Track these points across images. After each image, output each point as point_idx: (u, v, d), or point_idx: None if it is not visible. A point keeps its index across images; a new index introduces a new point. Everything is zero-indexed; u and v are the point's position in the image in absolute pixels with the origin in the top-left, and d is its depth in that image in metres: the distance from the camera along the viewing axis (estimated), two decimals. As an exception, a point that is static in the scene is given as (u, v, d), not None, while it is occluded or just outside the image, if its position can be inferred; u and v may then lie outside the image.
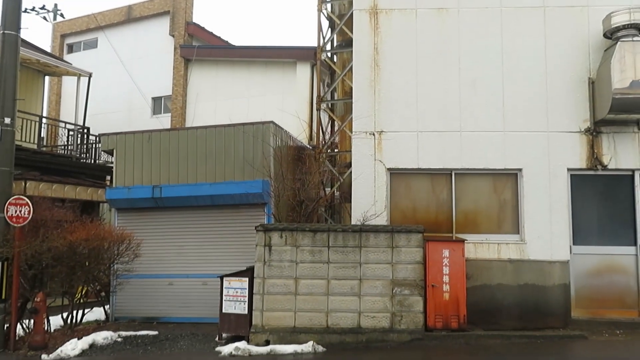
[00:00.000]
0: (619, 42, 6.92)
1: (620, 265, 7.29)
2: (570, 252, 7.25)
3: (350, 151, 7.74)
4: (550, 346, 6.44)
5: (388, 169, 7.49)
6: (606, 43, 7.27)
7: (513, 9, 7.61)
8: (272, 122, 8.16)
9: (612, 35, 7.11)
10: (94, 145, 12.54)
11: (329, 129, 9.94)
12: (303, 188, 7.43)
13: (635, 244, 7.25)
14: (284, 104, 12.05)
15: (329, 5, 9.26)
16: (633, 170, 7.33)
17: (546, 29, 7.55)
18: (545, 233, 7.22)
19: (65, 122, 12.49)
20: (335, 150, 9.60)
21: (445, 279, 6.66)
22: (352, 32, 7.92)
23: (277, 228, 6.74)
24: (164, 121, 13.80)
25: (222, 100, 13.09)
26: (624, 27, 6.96)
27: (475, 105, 7.50)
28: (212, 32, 14.88)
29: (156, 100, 14.52)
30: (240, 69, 13.25)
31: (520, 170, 7.39)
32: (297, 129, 9.92)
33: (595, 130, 7.36)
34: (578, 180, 7.42)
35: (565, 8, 7.56)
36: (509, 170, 7.44)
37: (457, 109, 7.51)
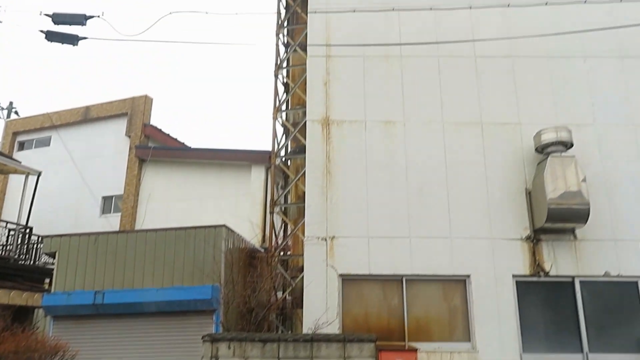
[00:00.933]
0: (549, 157, 7.53)
1: (569, 372, 7.32)
2: (521, 360, 7.26)
3: (303, 255, 7.74)
4: None
5: (340, 275, 7.49)
6: (538, 157, 7.88)
7: (454, 124, 8.23)
8: (224, 225, 8.13)
9: (543, 150, 7.75)
10: (35, 246, 11.97)
11: (281, 233, 9.96)
12: (254, 294, 7.27)
13: (581, 351, 7.36)
14: (238, 206, 12.10)
15: (284, 114, 9.72)
16: (573, 277, 7.63)
17: (484, 142, 8.16)
18: (496, 340, 7.25)
19: (7, 222, 11.98)
20: (288, 253, 9.57)
21: (399, 391, 6.46)
22: (305, 140, 8.27)
23: (225, 338, 6.46)
24: (112, 221, 13.46)
25: (175, 201, 13.02)
26: (553, 143, 7.62)
27: (423, 213, 7.79)
28: (168, 134, 15.13)
29: (107, 200, 14.26)
30: (195, 171, 13.37)
31: (468, 276, 7.55)
32: (251, 232, 9.90)
33: (536, 238, 7.73)
34: (524, 287, 7.62)
35: (501, 125, 8.25)
36: (457, 277, 7.59)
37: (406, 216, 7.77)
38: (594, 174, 7.85)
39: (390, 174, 7.97)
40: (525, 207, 7.86)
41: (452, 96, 8.32)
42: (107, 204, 14.33)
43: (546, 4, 8.62)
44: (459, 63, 8.48)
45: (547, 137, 7.67)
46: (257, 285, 7.39)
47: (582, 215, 7.41)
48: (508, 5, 8.67)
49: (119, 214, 13.71)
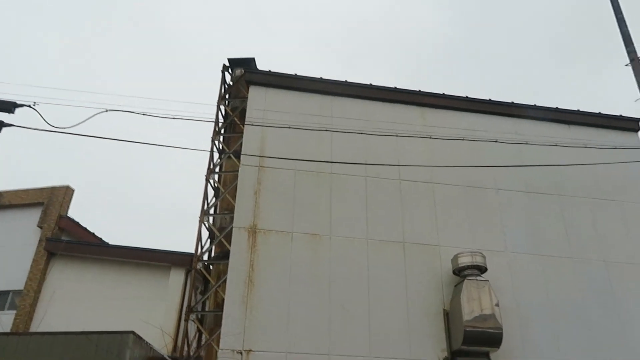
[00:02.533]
0: (465, 280, 7.84)
1: None
2: None
3: (216, 370, 7.25)
4: None
5: (253, 393, 7.03)
6: (455, 279, 8.19)
7: (378, 241, 8.48)
8: (132, 332, 7.53)
9: (460, 272, 8.08)
10: None
11: (195, 342, 9.34)
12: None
13: None
14: (152, 310, 11.35)
15: (211, 218, 9.61)
16: (488, 404, 7.61)
17: (406, 262, 8.41)
18: None
19: None
20: (200, 366, 8.90)
21: None
22: (230, 246, 8.14)
23: None
24: (4, 319, 12.10)
25: (82, 301, 12.02)
26: (469, 267, 7.99)
27: (344, 329, 7.68)
28: (85, 228, 14.38)
29: (2, 295, 12.92)
30: (110, 270, 12.59)
31: (386, 399, 7.33)
32: (162, 339, 9.22)
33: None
34: (440, 412, 7.48)
35: (421, 245, 8.59)
36: (375, 399, 7.35)
37: (327, 332, 7.61)
38: (505, 300, 8.20)
39: (313, 288, 7.92)
40: (443, 327, 7.97)
41: (377, 215, 8.67)
42: (2, 299, 12.97)
43: (463, 139, 9.52)
44: (384, 184, 8.97)
45: (464, 260, 8.05)
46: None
47: (496, 339, 7.59)
48: (430, 137, 9.49)
49: (14, 311, 12.39)
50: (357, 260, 8.24)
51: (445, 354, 7.80)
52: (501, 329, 7.59)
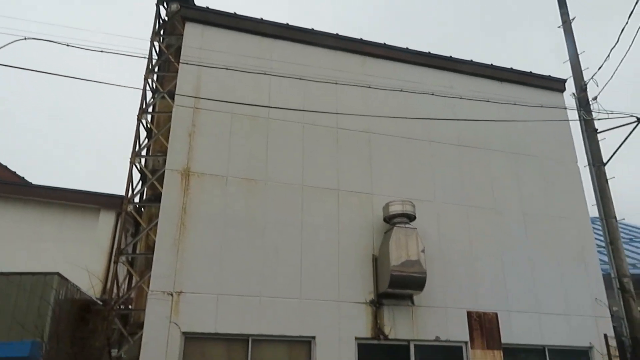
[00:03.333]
0: (395, 227, 8.15)
1: None
2: None
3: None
4: None
5: (183, 332, 7.10)
6: (386, 226, 8.49)
7: (313, 188, 8.57)
8: (57, 273, 7.33)
9: (390, 220, 8.38)
10: None
11: (125, 285, 9.24)
12: (81, 352, 6.53)
13: (412, 413, 7.76)
14: (80, 252, 11.00)
15: (143, 160, 9.31)
16: (409, 341, 8.13)
17: (340, 208, 8.59)
18: (335, 404, 7.33)
19: None
20: (130, 307, 8.86)
21: None
22: (162, 188, 7.96)
23: (40, 403, 5.66)
24: None
25: (3, 243, 11.46)
26: (399, 215, 8.29)
27: (276, 272, 7.84)
28: (6, 166, 13.53)
29: None
30: (35, 211, 11.99)
31: (314, 337, 7.65)
32: (93, 281, 9.01)
33: (379, 302, 8.16)
34: (364, 349, 7.91)
35: (355, 193, 8.79)
36: (303, 338, 7.65)
37: (259, 275, 7.74)
38: (431, 246, 8.65)
39: (247, 232, 7.96)
40: (371, 272, 8.32)
41: (313, 162, 8.73)
42: None
43: (401, 90, 9.64)
44: (321, 132, 8.99)
45: (394, 208, 8.34)
46: (87, 342, 6.67)
47: (419, 283, 8.04)
48: (369, 87, 9.53)
49: None
50: (292, 206, 8.32)
51: (372, 296, 8.18)
52: (425, 274, 8.03)
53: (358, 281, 8.21)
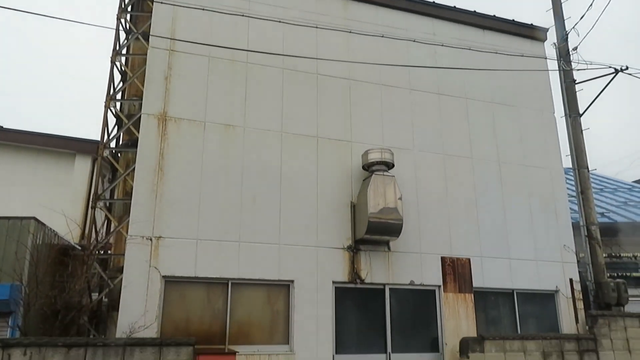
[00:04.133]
0: (373, 175, 8.23)
1: (374, 372, 8.01)
2: (333, 361, 7.74)
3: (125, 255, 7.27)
4: None
5: (163, 276, 7.20)
6: (364, 174, 8.57)
7: (292, 135, 8.53)
8: (33, 218, 7.27)
9: (369, 168, 8.44)
10: None
11: (103, 230, 9.23)
12: (61, 295, 6.59)
13: (385, 351, 8.12)
14: (56, 198, 10.89)
15: (118, 104, 9.09)
16: (384, 285, 8.40)
17: (319, 156, 8.60)
18: (312, 343, 7.62)
19: None
20: (109, 252, 8.90)
21: (214, 395, 6.40)
22: (139, 134, 7.83)
23: (21, 343, 5.74)
24: None
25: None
26: (377, 163, 8.35)
27: (255, 219, 7.90)
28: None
29: None
30: (7, 155, 11.73)
31: (292, 282, 7.84)
32: (68, 227, 8.97)
33: (356, 248, 8.35)
34: (341, 292, 8.16)
35: (334, 141, 8.78)
36: (282, 282, 7.83)
37: (238, 221, 7.80)
38: (408, 194, 8.79)
39: (225, 178, 7.94)
40: (349, 219, 8.45)
41: (293, 108, 8.64)
42: None
43: (382, 36, 9.47)
44: (301, 78, 8.85)
45: (373, 156, 8.39)
46: (66, 285, 6.72)
47: (396, 229, 8.22)
48: (350, 32, 9.33)
49: None
50: (271, 153, 8.30)
51: (350, 242, 8.35)
52: (402, 221, 8.20)
53: (336, 227, 8.35)
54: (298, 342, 7.56)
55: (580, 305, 9.58)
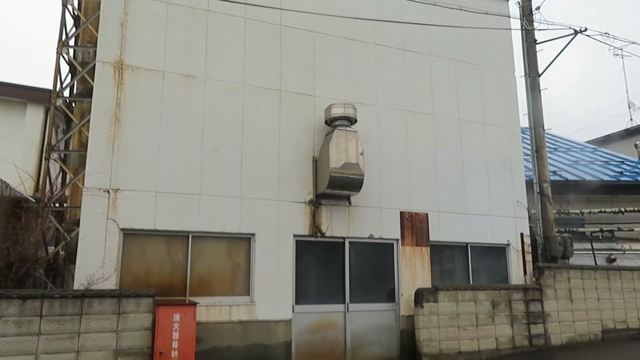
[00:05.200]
0: (335, 130, 8.24)
1: (332, 321, 8.28)
2: (293, 311, 7.93)
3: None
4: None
5: (122, 229, 7.11)
6: (327, 129, 8.56)
7: (254, 87, 8.38)
8: (-18, 168, 6.98)
9: (331, 123, 8.43)
10: None
11: (59, 182, 8.98)
12: (15, 247, 6.44)
13: (344, 301, 8.38)
14: (7, 148, 10.47)
15: (71, 50, 8.65)
16: (344, 238, 8.58)
17: (281, 109, 8.51)
18: (273, 294, 7.78)
19: None
20: (65, 205, 8.70)
21: (175, 344, 6.50)
22: (94, 82, 7.52)
23: (-26, 295, 5.63)
24: None
25: None
26: (340, 118, 8.34)
27: (216, 172, 7.83)
28: None
29: None
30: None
31: (253, 235, 7.90)
32: (23, 177, 8.67)
33: (317, 202, 8.44)
34: (302, 246, 8.29)
35: (297, 94, 8.69)
36: (243, 235, 7.88)
37: (199, 173, 7.72)
38: (370, 149, 8.87)
39: (186, 130, 7.79)
40: (311, 173, 8.49)
41: (255, 60, 8.45)
42: None
43: (348, -12, 9.27)
44: (265, 29, 8.62)
45: (336, 111, 8.37)
46: (20, 237, 6.56)
47: (357, 184, 8.33)
48: (315, -18, 9.09)
49: None
50: (232, 106, 8.15)
51: (311, 196, 8.42)
52: (363, 176, 8.30)
53: (298, 182, 8.39)
54: (258, 294, 7.70)
55: (529, 258, 10.09)
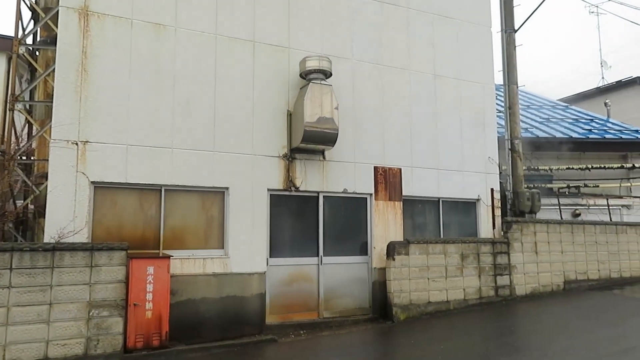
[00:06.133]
0: (310, 83, 8.12)
1: (306, 274, 8.44)
2: (267, 264, 8.04)
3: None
4: (245, 352, 6.98)
5: (92, 182, 6.99)
6: (301, 82, 8.44)
7: (227, 38, 8.13)
8: (-58, 119, 6.69)
9: (306, 76, 8.30)
10: None
11: (25, 134, 8.71)
12: (-19, 200, 6.29)
13: (317, 254, 8.52)
14: (-32, 98, 10.01)
15: (32, -5, 8.21)
16: (318, 193, 8.63)
17: (255, 61, 8.32)
18: (247, 247, 7.85)
19: None
20: (32, 158, 8.48)
21: (149, 296, 6.55)
22: (58, 29, 7.18)
23: (-60, 248, 5.51)
24: None
25: None
26: (315, 71, 8.21)
27: (189, 125, 7.69)
28: None
29: None
30: None
31: (227, 188, 7.87)
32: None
33: (291, 156, 8.41)
34: (276, 200, 8.32)
35: (272, 46, 8.48)
36: (217, 189, 7.84)
37: (170, 126, 7.57)
38: (345, 104, 8.82)
39: (156, 81, 7.57)
40: (285, 127, 8.42)
41: (228, 10, 8.17)
42: None
43: None
44: (237, -25, 8.30)
45: (311, 64, 8.22)
46: (-14, 190, 6.40)
47: (331, 139, 8.31)
48: None
49: None
50: (205, 56, 7.93)
51: (286, 150, 8.38)
52: (337, 130, 8.27)
53: (272, 135, 8.32)
54: (233, 247, 7.76)
55: (498, 212, 10.36)
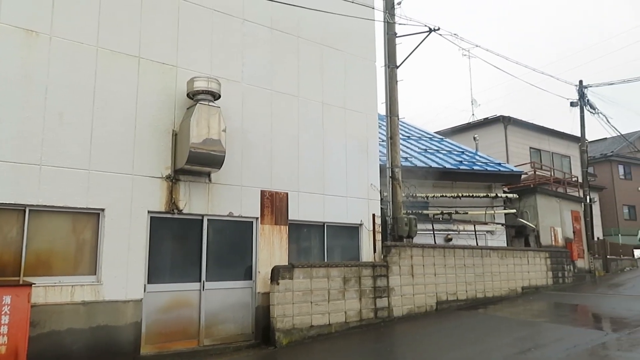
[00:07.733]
0: (198, 104, 7.97)
1: (187, 300, 8.12)
2: (145, 291, 7.61)
3: None
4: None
5: (-61, 200, 6.16)
6: (189, 102, 8.25)
7: (109, 51, 7.73)
8: None
9: (194, 96, 8.14)
10: None
11: None
12: None
13: (199, 280, 8.26)
14: None
15: None
16: (203, 216, 8.42)
17: (140, 78, 7.99)
18: (122, 273, 7.38)
19: None
20: None
21: (3, 329, 5.85)
22: None
23: None
24: None
25: None
26: (203, 92, 8.09)
27: (61, 140, 7.12)
28: None
29: None
30: None
31: (103, 210, 7.37)
32: None
33: (175, 177, 8.13)
34: (157, 222, 7.95)
35: (158, 63, 8.21)
36: (91, 210, 7.31)
37: (40, 140, 6.95)
38: (233, 126, 8.77)
39: (26, 91, 6.94)
40: (170, 147, 8.14)
41: (112, 22, 7.79)
42: None
43: (218, -43, 8.94)
44: (124, -12, 7.97)
45: (199, 85, 8.09)
46: None
47: (218, 161, 8.18)
48: (183, -55, 8.60)
49: None
50: (84, 68, 7.44)
51: (169, 171, 8.09)
52: (224, 153, 8.17)
53: (155, 155, 7.99)
54: (107, 273, 7.25)
55: (379, 237, 10.86)
